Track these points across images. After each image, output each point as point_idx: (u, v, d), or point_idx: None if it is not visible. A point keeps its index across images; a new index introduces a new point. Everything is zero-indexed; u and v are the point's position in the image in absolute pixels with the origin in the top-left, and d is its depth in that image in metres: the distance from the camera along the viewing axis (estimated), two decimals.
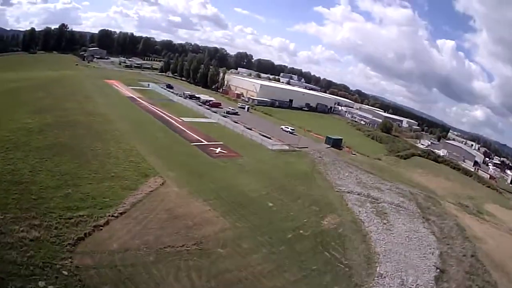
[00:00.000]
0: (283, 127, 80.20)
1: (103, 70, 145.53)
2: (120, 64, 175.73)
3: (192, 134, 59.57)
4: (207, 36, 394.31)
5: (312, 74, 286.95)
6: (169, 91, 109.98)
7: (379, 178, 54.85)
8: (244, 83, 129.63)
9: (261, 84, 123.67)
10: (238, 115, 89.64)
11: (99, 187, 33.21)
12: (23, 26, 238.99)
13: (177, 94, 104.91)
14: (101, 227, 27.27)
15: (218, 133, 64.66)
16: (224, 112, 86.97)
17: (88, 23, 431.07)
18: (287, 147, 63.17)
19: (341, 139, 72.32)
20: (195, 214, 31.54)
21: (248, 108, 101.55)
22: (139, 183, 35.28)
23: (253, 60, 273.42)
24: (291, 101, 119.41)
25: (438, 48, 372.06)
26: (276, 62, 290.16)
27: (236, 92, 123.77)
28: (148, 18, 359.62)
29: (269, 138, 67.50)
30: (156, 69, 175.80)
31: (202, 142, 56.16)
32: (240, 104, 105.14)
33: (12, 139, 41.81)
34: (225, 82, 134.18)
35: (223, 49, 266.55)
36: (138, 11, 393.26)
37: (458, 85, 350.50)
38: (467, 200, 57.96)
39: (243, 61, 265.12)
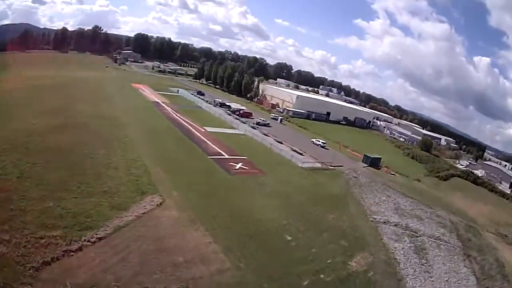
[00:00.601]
0: (314, 140, 78.77)
1: (134, 73, 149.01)
2: (153, 68, 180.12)
3: (213, 146, 55.83)
4: (249, 46, 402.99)
5: (352, 87, 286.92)
6: (199, 98, 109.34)
7: (419, 203, 51.44)
8: (279, 93, 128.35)
9: (298, 95, 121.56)
10: (269, 126, 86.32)
11: (84, 203, 29.91)
12: (57, 26, 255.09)
13: (207, 101, 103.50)
14: (72, 253, 24.09)
15: (243, 146, 60.77)
16: (254, 123, 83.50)
17: (127, 27, 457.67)
18: (319, 165, 59.12)
19: (380, 158, 70.32)
20: (189, 247, 26.94)
21: (281, 119, 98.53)
22: (132, 202, 31.51)
23: (292, 71, 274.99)
24: (328, 114, 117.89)
25: (474, 64, 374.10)
26: (317, 75, 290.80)
27: (271, 102, 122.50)
28: (188, 26, 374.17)
29: (301, 154, 63.98)
30: (190, 75, 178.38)
31: (222, 155, 52.18)
32: (273, 115, 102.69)
33: (11, 139, 41.21)
34: (260, 91, 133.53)
35: (263, 59, 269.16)
36: (177, 18, 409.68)
37: (493, 102, 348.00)
38: (507, 228, 55.53)
39: (283, 72, 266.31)
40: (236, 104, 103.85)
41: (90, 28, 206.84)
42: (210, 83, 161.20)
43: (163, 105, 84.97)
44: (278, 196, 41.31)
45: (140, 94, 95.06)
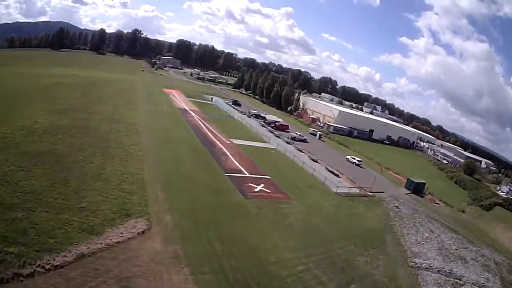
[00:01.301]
0: (348, 157, 74.53)
1: (169, 79, 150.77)
2: (191, 75, 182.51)
3: (234, 162, 50.92)
4: (295, 60, 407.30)
5: (396, 106, 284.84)
6: (233, 107, 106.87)
7: (464, 241, 46.42)
8: (321, 107, 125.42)
9: (340, 110, 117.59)
10: (306, 142, 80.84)
11: (53, 220, 25.93)
12: (99, 27, 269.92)
13: (241, 111, 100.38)
14: (22, 278, 20.54)
15: (271, 163, 55.45)
16: (289, 137, 78.27)
17: (173, 34, 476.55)
18: (357, 191, 52.89)
19: (424, 183, 66.01)
20: None
21: (320, 135, 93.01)
22: (110, 225, 26.83)
23: (337, 87, 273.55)
24: (371, 131, 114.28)
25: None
26: (362, 91, 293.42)
27: (311, 116, 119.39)
28: (234, 36, 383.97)
29: (337, 175, 58.24)
30: (231, 84, 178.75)
31: (242, 173, 46.86)
32: (312, 130, 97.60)
33: (7, 137, 39.86)
34: (300, 104, 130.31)
35: (307, 72, 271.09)
36: (224, 28, 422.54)
37: None
38: None
39: (327, 87, 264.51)
40: (272, 116, 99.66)
41: (130, 31, 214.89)
42: (250, 93, 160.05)
43: (191, 112, 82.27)
44: (301, 230, 34.72)
45: (169, 100, 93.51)
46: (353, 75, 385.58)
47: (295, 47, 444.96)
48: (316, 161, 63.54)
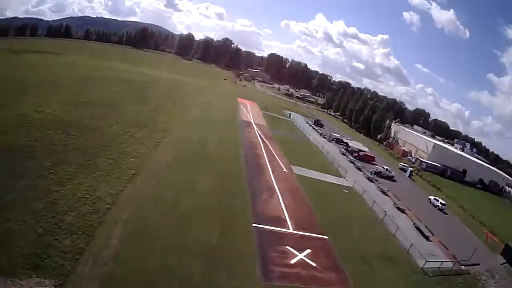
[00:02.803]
0: (431, 197, 57.23)
1: (251, 90, 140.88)
2: (279, 90, 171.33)
3: (279, 203, 33.97)
4: (390, 90, 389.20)
5: (483, 145, 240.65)
6: (313, 127, 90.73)
7: None
8: (414, 138, 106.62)
9: (435, 144, 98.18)
10: (394, 180, 61.45)
11: None
12: (196, 36, 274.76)
13: (320, 133, 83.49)
14: None
15: (337, 211, 37.39)
16: (372, 172, 59.32)
17: (272, 51, 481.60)
18: (450, 265, 34.61)
19: None
20: None
21: (411, 172, 72.52)
22: None
23: (430, 119, 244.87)
24: (464, 172, 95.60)
25: None
26: (452, 127, 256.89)
27: (402, 148, 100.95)
28: (332, 60, 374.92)
29: (427, 237, 39.18)
30: (320, 104, 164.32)
31: (283, 226, 29.38)
32: (402, 164, 77.69)
33: None
34: (392, 132, 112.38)
35: (402, 103, 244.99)
36: (322, 50, 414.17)
37: None
38: None
39: (420, 119, 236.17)
40: (356, 143, 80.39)
41: (220, 39, 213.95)
42: (338, 115, 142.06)
43: (255, 126, 67.28)
44: None
45: (236, 110, 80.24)
46: (444, 110, 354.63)
47: (390, 77, 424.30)
48: (403, 211, 44.46)
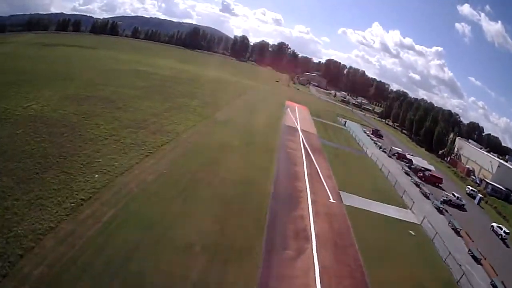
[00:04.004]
0: (495, 225, 41.84)
1: (304, 94, 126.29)
2: (335, 96, 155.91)
3: (311, 269, 18.90)
4: (444, 102, 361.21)
5: None
6: (371, 139, 73.74)
7: None
8: (478, 155, 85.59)
9: (500, 163, 77.03)
10: (464, 210, 43.94)
11: None
12: (252, 40, 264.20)
13: (379, 146, 65.67)
14: None
15: (401, 274, 21.46)
16: (441, 200, 42.53)
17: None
18: None
19: None
20: None
21: (480, 199, 52.85)
22: None
23: (483, 134, 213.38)
24: None
25: None
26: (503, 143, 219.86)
27: (467, 166, 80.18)
28: (389, 69, 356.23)
29: None
30: (377, 113, 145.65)
31: None
32: (470, 189, 57.30)
33: None
34: (455, 148, 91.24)
35: (457, 115, 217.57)
36: (380, 60, 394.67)
37: None
38: None
39: (474, 133, 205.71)
40: (420, 160, 61.92)
41: (276, 43, 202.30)
42: (397, 125, 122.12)
43: (301, 134, 52.44)
44: None
45: (281, 113, 65.69)
46: (493, 124, 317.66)
47: (444, 89, 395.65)
48: (479, 261, 27.99)
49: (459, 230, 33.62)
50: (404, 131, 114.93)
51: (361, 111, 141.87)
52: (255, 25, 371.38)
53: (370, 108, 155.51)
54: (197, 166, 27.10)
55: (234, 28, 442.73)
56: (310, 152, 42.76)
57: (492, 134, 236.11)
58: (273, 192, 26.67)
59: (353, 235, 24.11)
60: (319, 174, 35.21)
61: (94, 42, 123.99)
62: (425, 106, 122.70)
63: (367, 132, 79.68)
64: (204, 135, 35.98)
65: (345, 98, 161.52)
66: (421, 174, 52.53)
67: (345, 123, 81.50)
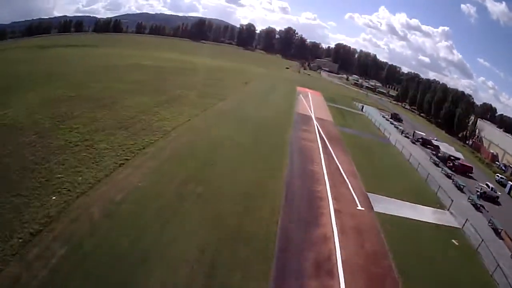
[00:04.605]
0: None
1: (316, 79, 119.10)
2: (348, 79, 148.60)
3: None
4: (455, 83, 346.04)
5: None
6: (392, 123, 66.42)
7: None
8: (501, 138, 76.31)
9: None
10: (497, 203, 36.62)
11: None
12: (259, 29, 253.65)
13: (402, 132, 58.80)
14: None
15: None
16: (477, 194, 36.40)
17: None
18: None
19: None
20: None
21: (511, 187, 44.93)
22: None
23: (496, 115, 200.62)
24: None
25: None
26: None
27: (491, 151, 71.02)
28: (398, 53, 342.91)
29: None
30: (392, 96, 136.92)
31: None
32: (499, 177, 49.82)
33: None
34: (477, 130, 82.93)
35: (470, 96, 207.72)
36: (388, 44, 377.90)
37: None
38: None
39: (488, 114, 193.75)
40: (448, 147, 53.84)
41: (283, 29, 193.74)
42: (414, 108, 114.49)
43: (316, 122, 46.08)
44: None
45: (293, 101, 59.18)
46: (504, 105, 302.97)
47: (454, 70, 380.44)
48: None
49: (499, 231, 27.17)
50: (422, 114, 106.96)
51: (376, 94, 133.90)
52: (262, 15, 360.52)
53: (385, 91, 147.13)
54: (185, 173, 21.01)
55: (241, 18, 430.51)
56: (328, 144, 36.33)
57: (505, 114, 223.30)
58: (284, 205, 20.40)
59: (390, 257, 17.90)
60: (340, 171, 28.86)
61: (95, 40, 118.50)
62: (442, 87, 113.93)
63: (386, 117, 72.54)
64: (200, 131, 29.91)
65: (358, 81, 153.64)
66: (451, 164, 45.27)
67: (362, 107, 74.37)
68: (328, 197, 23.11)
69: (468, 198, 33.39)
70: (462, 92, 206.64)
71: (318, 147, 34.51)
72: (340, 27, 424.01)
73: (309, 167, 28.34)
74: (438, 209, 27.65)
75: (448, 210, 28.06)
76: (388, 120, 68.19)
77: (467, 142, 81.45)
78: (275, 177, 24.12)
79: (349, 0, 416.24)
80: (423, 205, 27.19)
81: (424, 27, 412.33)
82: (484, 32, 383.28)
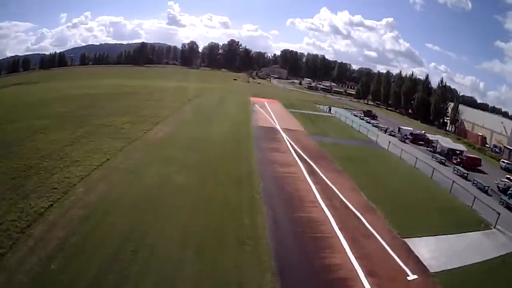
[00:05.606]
0: None
1: (268, 87, 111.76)
2: (301, 84, 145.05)
3: None
4: (405, 73, 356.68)
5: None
6: (369, 122, 58.84)
7: None
8: (485, 118, 73.90)
9: None
10: None
11: None
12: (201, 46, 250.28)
13: (383, 129, 51.12)
14: None
15: None
16: (499, 190, 29.06)
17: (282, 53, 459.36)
18: None
19: None
20: None
21: None
22: None
23: (458, 97, 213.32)
24: None
25: None
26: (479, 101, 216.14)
27: (480, 134, 68.14)
28: (343, 52, 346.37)
29: None
30: (351, 94, 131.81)
31: None
32: (505, 162, 44.78)
33: None
34: (459, 115, 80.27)
35: (428, 80, 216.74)
36: (332, 44, 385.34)
37: None
38: None
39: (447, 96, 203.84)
40: (444, 139, 45.74)
41: (226, 43, 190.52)
42: (378, 103, 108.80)
43: (284, 134, 35.43)
44: None
45: (248, 113, 48.42)
46: (459, 85, 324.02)
47: (403, 60, 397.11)
48: None
49: None
50: (389, 108, 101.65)
51: (333, 95, 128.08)
52: (204, 32, 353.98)
53: (342, 90, 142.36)
54: (94, 261, 9.34)
55: (183, 39, 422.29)
56: (312, 164, 25.72)
57: (466, 95, 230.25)
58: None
59: None
60: (350, 208, 18.05)
61: (40, 77, 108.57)
62: (412, 77, 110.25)
63: (359, 115, 64.21)
64: (121, 176, 18.26)
65: (311, 84, 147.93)
66: (458, 159, 37.13)
67: (330, 109, 65.63)
68: (359, 276, 11.83)
69: (500, 201, 25.25)
70: (419, 79, 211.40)
71: (303, 173, 23.58)
72: (282, 34, 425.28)
73: (303, 214, 16.92)
74: (485, 231, 19.37)
75: (495, 227, 19.80)
76: (363, 119, 59.81)
77: (447, 128, 77.52)
78: (250, 268, 12.26)
79: (289, 6, 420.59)
80: (467, 230, 18.57)
81: (367, 22, 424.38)
82: (430, 17, 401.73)
